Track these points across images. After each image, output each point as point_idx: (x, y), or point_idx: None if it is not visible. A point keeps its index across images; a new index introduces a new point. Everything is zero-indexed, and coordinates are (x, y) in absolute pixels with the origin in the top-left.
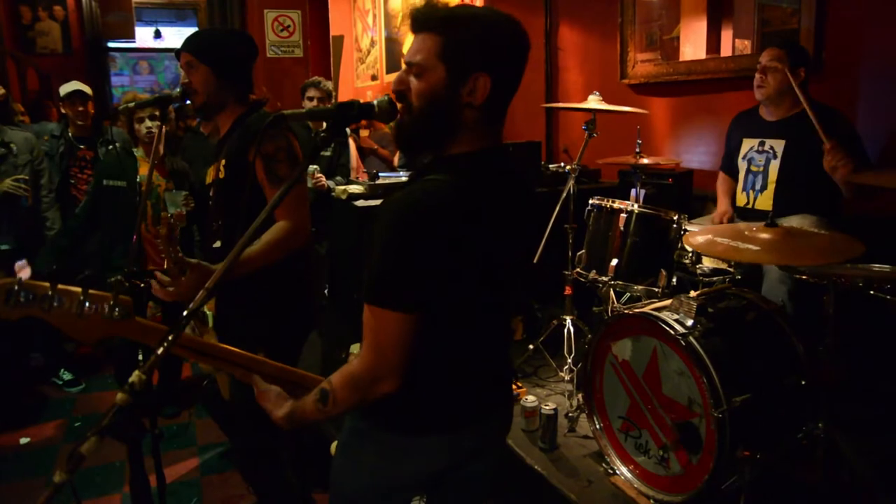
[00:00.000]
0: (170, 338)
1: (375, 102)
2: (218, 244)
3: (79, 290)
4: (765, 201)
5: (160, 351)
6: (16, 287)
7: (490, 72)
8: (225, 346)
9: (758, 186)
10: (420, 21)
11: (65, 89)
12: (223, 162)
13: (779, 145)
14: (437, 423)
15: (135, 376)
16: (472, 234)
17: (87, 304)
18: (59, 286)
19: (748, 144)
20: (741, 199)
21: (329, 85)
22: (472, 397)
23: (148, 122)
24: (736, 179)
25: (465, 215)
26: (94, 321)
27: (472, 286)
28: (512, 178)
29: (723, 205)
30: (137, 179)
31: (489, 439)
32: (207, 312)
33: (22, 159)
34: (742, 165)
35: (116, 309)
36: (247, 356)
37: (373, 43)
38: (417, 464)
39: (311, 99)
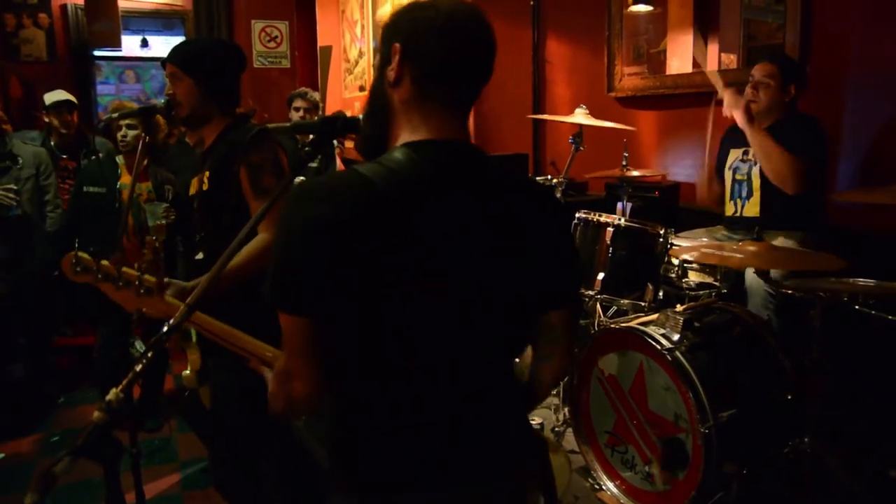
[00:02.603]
0: (149, 354)
1: (361, 116)
2: (200, 256)
3: (114, 267)
4: (752, 208)
5: (139, 368)
6: (74, 259)
7: (400, 40)
8: (244, 334)
9: (744, 194)
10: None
11: (50, 98)
12: (207, 174)
13: None
14: (406, 478)
15: (112, 394)
16: (377, 232)
17: (120, 280)
18: (103, 262)
19: (734, 155)
20: (729, 209)
21: (316, 96)
22: (445, 451)
23: (124, 131)
24: (723, 185)
25: (367, 209)
26: (130, 294)
27: (392, 294)
28: (477, 177)
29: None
30: (118, 186)
31: None
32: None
33: (26, 173)
34: (728, 175)
35: (142, 287)
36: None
37: (361, 54)
38: None
39: (297, 110)
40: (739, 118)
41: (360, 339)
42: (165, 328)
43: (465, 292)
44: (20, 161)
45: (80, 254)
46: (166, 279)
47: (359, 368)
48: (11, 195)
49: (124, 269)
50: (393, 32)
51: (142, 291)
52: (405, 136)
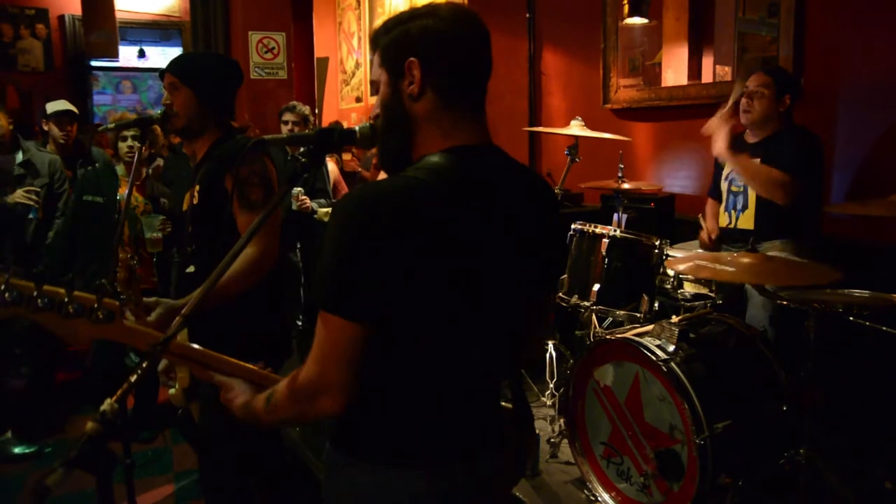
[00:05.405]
0: (143, 365)
1: (357, 129)
2: (191, 269)
3: (63, 291)
4: (746, 221)
5: (133, 378)
6: (2, 286)
7: (417, 54)
8: (207, 350)
9: (739, 206)
10: (371, 44)
11: (53, 107)
12: (197, 188)
13: None
14: (411, 453)
15: (106, 405)
16: (435, 235)
17: (71, 305)
18: (45, 287)
19: (730, 166)
20: (724, 220)
21: (305, 109)
22: (452, 428)
23: (130, 141)
24: (721, 202)
25: (426, 212)
26: (80, 323)
27: (437, 295)
28: (508, 179)
29: (710, 223)
30: (117, 197)
31: (481, 485)
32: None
33: (39, 181)
34: (724, 186)
35: (100, 312)
36: (230, 361)
37: (357, 65)
38: (397, 499)
39: (286, 123)
40: (718, 146)
41: (399, 335)
42: (161, 340)
43: (493, 283)
44: (37, 170)
45: (13, 280)
46: (154, 298)
47: (392, 359)
48: (34, 197)
49: (76, 293)
50: (404, 47)
51: (100, 317)
52: (436, 143)
